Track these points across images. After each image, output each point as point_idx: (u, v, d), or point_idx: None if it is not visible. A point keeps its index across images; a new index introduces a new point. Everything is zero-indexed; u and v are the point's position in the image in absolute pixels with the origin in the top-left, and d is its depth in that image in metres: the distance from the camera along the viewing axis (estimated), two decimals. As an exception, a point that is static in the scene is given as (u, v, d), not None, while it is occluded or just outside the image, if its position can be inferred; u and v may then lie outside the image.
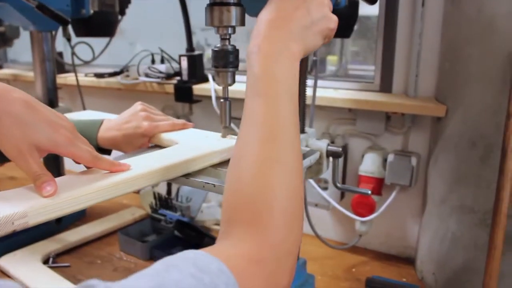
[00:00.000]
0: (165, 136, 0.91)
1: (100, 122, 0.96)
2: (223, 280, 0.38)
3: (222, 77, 0.76)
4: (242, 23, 0.72)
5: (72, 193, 0.56)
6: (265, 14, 0.58)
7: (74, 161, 0.64)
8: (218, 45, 0.75)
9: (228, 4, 0.69)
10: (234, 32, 0.73)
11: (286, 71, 0.55)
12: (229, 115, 0.82)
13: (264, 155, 0.49)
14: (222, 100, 0.80)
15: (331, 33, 0.64)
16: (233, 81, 0.77)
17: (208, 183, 0.72)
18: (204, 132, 0.92)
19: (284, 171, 0.49)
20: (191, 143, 0.83)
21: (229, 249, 0.45)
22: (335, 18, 0.64)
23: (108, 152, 0.97)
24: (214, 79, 1.58)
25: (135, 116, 0.94)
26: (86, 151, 0.63)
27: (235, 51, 0.75)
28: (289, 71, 0.55)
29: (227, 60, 0.74)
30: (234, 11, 0.69)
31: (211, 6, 0.70)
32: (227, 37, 0.73)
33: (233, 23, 0.70)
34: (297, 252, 0.49)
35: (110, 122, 0.96)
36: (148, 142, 0.93)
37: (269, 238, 0.45)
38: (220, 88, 0.80)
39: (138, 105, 0.97)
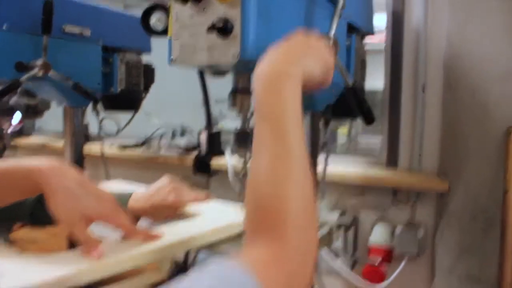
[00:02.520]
0: (189, 208, 1.00)
1: (130, 195, 1.05)
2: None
3: (242, 155, 0.85)
4: None
5: (116, 257, 0.65)
6: (272, 49, 0.64)
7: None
8: (239, 127, 0.84)
9: (249, 92, 0.79)
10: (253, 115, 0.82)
11: (289, 93, 0.59)
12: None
13: (276, 174, 0.54)
14: (241, 177, 0.89)
15: (328, 74, 0.68)
16: None
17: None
18: (224, 204, 1.01)
19: (296, 185, 0.54)
20: (213, 215, 0.91)
21: (253, 254, 0.51)
22: (331, 60, 0.69)
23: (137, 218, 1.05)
24: (232, 152, 1.68)
25: (162, 189, 1.02)
26: (126, 222, 0.74)
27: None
28: (292, 93, 0.59)
29: (248, 141, 0.83)
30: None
31: (233, 93, 0.80)
32: (248, 119, 0.82)
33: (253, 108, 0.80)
34: (314, 254, 0.55)
35: (138, 194, 1.05)
36: (174, 213, 1.02)
37: (286, 242, 0.51)
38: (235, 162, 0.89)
39: (165, 179, 1.06)
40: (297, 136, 0.58)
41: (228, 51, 0.68)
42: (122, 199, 1.03)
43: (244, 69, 0.76)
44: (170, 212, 1.01)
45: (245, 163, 0.87)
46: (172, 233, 0.77)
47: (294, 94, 0.59)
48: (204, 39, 0.70)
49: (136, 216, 1.04)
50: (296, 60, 0.62)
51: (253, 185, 0.57)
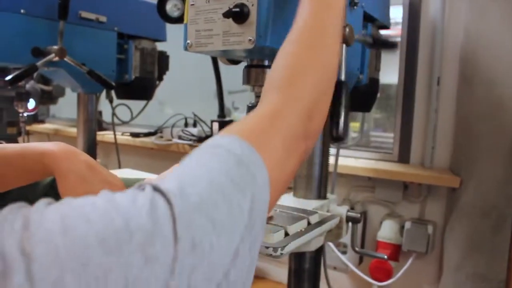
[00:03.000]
0: None
1: (142, 180, 1.05)
2: (236, 145, 0.41)
3: None
4: None
5: None
6: None
7: None
8: (253, 101, 0.82)
9: (264, 66, 0.78)
10: None
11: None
12: None
13: (307, 39, 0.56)
14: None
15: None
16: None
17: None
18: None
19: (322, 51, 0.56)
20: None
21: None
22: None
23: None
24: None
25: None
26: None
27: None
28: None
29: None
30: (268, 72, 0.79)
31: (248, 68, 0.79)
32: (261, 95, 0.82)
33: None
34: (321, 121, 0.54)
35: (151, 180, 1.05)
36: None
37: (294, 93, 0.51)
38: None
39: None
40: (337, 19, 0.60)
41: (243, 37, 0.68)
42: (133, 184, 1.04)
43: (259, 55, 0.76)
44: None
45: None
46: None
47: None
48: (220, 25, 0.70)
49: None
50: None
51: (284, 48, 0.57)
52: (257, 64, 0.78)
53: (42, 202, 0.32)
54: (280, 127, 0.47)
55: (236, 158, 0.39)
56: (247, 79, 0.80)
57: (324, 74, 0.56)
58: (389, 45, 0.91)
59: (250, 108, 0.81)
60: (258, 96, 0.81)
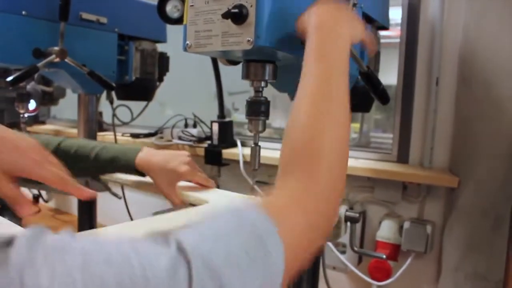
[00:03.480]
0: (197, 195, 1.00)
1: (139, 149, 1.00)
2: (261, 219, 0.43)
3: (254, 125, 0.83)
4: (274, 77, 0.81)
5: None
6: (315, 9, 0.66)
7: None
8: (252, 96, 0.83)
9: (262, 61, 0.79)
10: (266, 85, 0.82)
11: (341, 47, 0.63)
12: (258, 158, 0.88)
13: (316, 114, 0.56)
14: (253, 145, 0.87)
15: (366, 34, 0.73)
16: (264, 129, 0.85)
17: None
18: (234, 194, 1.01)
19: (334, 123, 0.56)
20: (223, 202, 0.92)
21: (285, 193, 0.51)
22: (363, 23, 0.74)
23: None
24: (241, 144, 1.69)
25: (179, 156, 0.98)
26: (54, 174, 0.67)
27: (266, 102, 0.83)
28: (343, 48, 0.63)
29: (259, 110, 0.82)
30: (267, 67, 0.79)
31: (248, 62, 0.80)
32: (260, 89, 0.82)
33: (266, 78, 0.80)
34: (338, 200, 0.56)
35: (152, 151, 0.99)
36: (177, 181, 0.98)
37: (317, 180, 0.52)
38: (247, 153, 0.89)
39: (185, 152, 1.02)
40: (343, 83, 0.60)
41: (242, 38, 0.69)
42: (130, 153, 0.98)
43: (258, 56, 0.77)
44: (174, 180, 0.96)
45: (256, 132, 0.85)
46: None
47: (346, 48, 0.64)
48: (219, 25, 0.71)
49: (140, 173, 0.99)
50: (345, 22, 0.66)
51: (292, 125, 0.58)
52: (256, 59, 0.79)
53: (66, 233, 0.34)
54: (303, 209, 0.50)
55: (256, 233, 0.41)
56: (246, 74, 0.81)
57: (340, 152, 0.56)
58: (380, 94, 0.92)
59: (250, 103, 0.82)
60: (257, 91, 0.82)
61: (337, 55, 0.62)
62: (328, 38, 0.63)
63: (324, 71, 0.60)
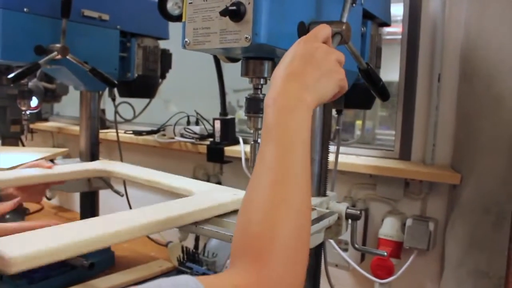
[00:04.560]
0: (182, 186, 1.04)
1: None
2: None
3: (253, 122, 0.82)
4: None
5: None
6: (279, 70, 0.63)
7: None
8: (252, 93, 0.82)
9: (262, 58, 0.78)
10: (265, 82, 0.81)
11: (299, 121, 0.58)
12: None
13: (273, 197, 0.53)
14: (252, 142, 0.85)
15: (343, 83, 0.68)
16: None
17: (217, 231, 0.81)
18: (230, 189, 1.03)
19: (290, 211, 0.52)
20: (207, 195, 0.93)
21: (229, 278, 0.49)
22: (341, 71, 0.68)
23: None
24: (243, 142, 1.69)
25: None
26: None
27: None
28: (302, 121, 0.59)
29: (258, 107, 0.81)
30: (266, 64, 0.79)
31: (246, 59, 0.80)
32: (259, 86, 0.81)
33: (265, 75, 0.80)
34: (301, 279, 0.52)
35: None
36: None
37: (268, 273, 0.49)
38: (249, 150, 0.89)
39: None
40: (303, 165, 0.56)
41: (240, 35, 0.69)
42: None
43: (256, 53, 0.77)
44: None
45: (255, 130, 0.85)
46: (178, 207, 0.81)
47: (305, 121, 0.59)
48: (217, 23, 0.71)
49: None
50: (310, 86, 0.62)
51: (245, 208, 0.55)
52: (255, 56, 0.79)
53: None
54: None
55: None
56: (245, 71, 0.80)
57: (298, 242, 0.53)
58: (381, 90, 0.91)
59: (249, 100, 0.82)
60: (256, 88, 0.81)
61: (294, 132, 0.57)
62: (283, 112, 0.58)
63: (280, 154, 0.56)
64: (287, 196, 0.53)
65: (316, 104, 0.63)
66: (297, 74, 0.62)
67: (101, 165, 1.43)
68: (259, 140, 0.86)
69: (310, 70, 0.63)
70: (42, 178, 1.21)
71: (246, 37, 0.68)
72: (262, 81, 0.81)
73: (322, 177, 1.02)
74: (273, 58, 0.80)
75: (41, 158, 1.59)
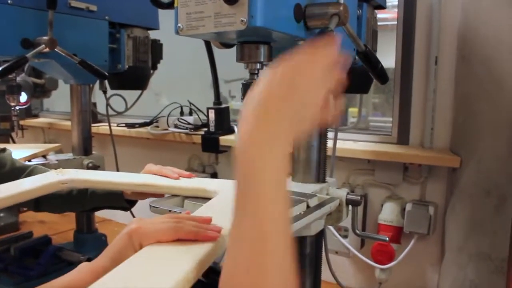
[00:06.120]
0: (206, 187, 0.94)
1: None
2: None
3: None
4: (269, 59, 0.78)
5: None
6: (251, 108, 0.51)
7: None
8: (248, 79, 0.80)
9: (257, 42, 0.76)
10: (262, 67, 0.79)
11: (273, 171, 0.49)
12: None
13: (252, 266, 0.46)
14: None
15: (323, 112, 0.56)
16: None
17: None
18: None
19: (274, 273, 0.46)
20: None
21: None
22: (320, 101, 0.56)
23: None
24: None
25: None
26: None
27: None
28: (278, 168, 0.50)
29: None
30: (262, 48, 0.76)
31: (242, 44, 0.77)
32: (255, 72, 0.79)
33: (261, 59, 0.77)
34: None
35: None
36: None
37: None
38: None
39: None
40: (280, 221, 0.49)
41: (235, 18, 0.66)
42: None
43: (252, 37, 0.74)
44: None
45: None
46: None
47: (280, 169, 0.50)
48: (211, 6, 0.68)
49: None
50: (284, 129, 0.51)
51: (227, 276, 0.48)
52: (250, 40, 0.76)
53: None
54: None
55: None
56: (240, 56, 0.78)
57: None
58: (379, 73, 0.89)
59: (245, 86, 0.79)
60: (252, 73, 0.79)
61: (267, 196, 0.48)
62: (251, 171, 0.48)
63: (255, 228, 0.47)
64: (267, 262, 0.47)
65: (290, 141, 0.52)
66: (271, 114, 0.51)
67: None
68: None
69: (287, 104, 0.52)
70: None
71: (242, 20, 0.66)
72: (258, 66, 0.79)
73: (321, 163, 1.01)
74: (269, 42, 0.78)
75: (34, 154, 1.56)
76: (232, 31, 0.68)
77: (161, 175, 0.99)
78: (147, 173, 1.02)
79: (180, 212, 0.79)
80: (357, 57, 0.97)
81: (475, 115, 1.15)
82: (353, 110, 1.83)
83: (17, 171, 1.12)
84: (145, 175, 1.02)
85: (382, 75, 0.91)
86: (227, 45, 0.87)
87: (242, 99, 0.81)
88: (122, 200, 1.03)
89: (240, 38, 0.76)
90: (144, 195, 1.01)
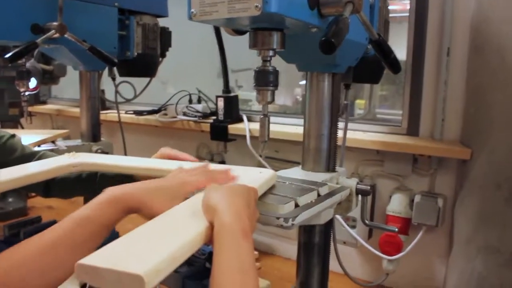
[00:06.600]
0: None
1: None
2: None
3: (262, 95, 0.80)
4: (282, 46, 0.78)
5: None
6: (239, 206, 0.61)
7: None
8: (260, 66, 0.79)
9: (270, 29, 0.75)
10: (274, 54, 0.79)
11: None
12: (267, 130, 0.85)
13: None
14: (261, 116, 0.83)
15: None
16: (273, 99, 0.81)
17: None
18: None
19: None
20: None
21: None
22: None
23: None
24: (248, 119, 1.66)
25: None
26: None
27: (275, 72, 0.80)
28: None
29: (268, 80, 0.79)
30: (275, 35, 0.76)
31: (254, 30, 0.76)
32: (268, 59, 0.78)
33: (274, 46, 0.76)
34: None
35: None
36: None
37: None
38: (253, 128, 0.85)
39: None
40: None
41: (250, 4, 0.65)
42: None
43: (265, 23, 0.74)
44: None
45: (265, 103, 0.82)
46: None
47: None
48: (225, -9, 0.68)
49: None
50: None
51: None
52: (263, 27, 0.75)
53: None
54: None
55: None
56: (253, 43, 0.77)
57: None
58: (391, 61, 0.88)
59: (258, 73, 0.79)
60: (265, 60, 0.78)
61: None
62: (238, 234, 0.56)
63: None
64: None
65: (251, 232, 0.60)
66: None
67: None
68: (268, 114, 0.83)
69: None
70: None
71: (256, 6, 0.65)
72: (271, 53, 0.78)
73: (332, 152, 1.00)
74: (282, 29, 0.77)
75: (42, 140, 1.56)
76: (246, 17, 0.68)
77: (177, 159, 0.97)
78: (161, 156, 1.00)
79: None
80: (369, 46, 0.96)
81: (487, 105, 1.14)
82: (360, 102, 1.82)
83: (27, 157, 1.12)
84: (157, 160, 1.00)
85: (395, 64, 0.90)
86: (240, 32, 0.86)
87: (256, 86, 0.80)
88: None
89: (253, 25, 0.75)
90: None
